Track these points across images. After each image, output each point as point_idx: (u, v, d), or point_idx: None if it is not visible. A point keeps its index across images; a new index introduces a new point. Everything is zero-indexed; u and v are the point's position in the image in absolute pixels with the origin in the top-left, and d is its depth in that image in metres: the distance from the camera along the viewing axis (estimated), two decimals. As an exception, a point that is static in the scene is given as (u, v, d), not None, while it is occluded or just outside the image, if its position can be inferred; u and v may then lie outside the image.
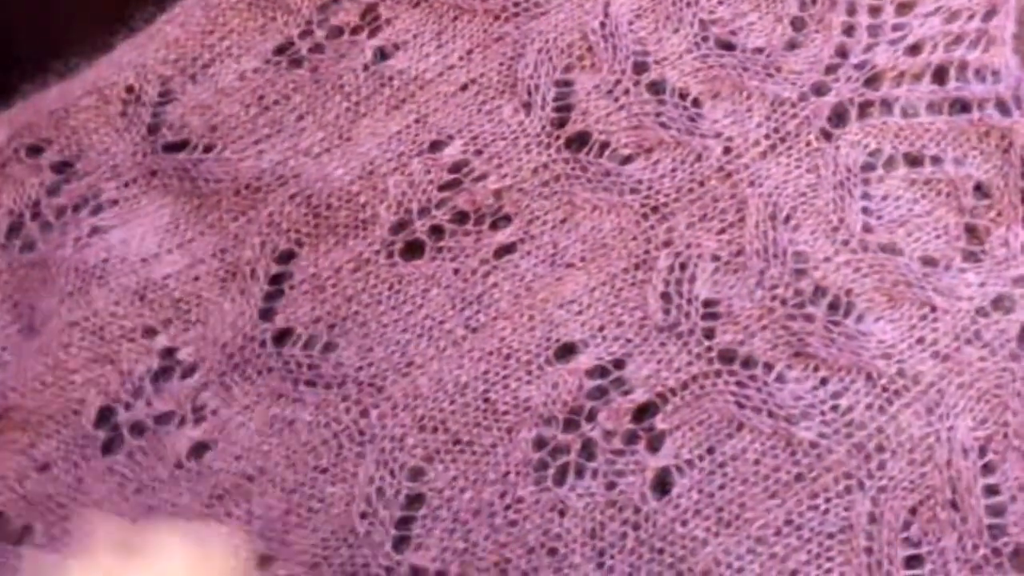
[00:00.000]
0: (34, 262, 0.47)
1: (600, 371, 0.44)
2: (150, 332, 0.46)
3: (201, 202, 0.47)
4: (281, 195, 0.47)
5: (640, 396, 0.44)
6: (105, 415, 0.45)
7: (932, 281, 0.44)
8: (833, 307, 0.44)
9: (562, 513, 0.42)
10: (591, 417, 0.44)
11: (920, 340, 0.44)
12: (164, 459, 0.44)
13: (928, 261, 0.45)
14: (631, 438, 0.43)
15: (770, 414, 0.43)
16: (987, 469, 0.42)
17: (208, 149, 0.48)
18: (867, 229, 0.45)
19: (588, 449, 0.43)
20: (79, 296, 0.46)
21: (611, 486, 0.42)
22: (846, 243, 0.45)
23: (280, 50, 0.49)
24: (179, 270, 0.46)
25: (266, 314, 0.46)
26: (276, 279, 0.46)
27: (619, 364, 0.44)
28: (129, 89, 0.49)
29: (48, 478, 0.44)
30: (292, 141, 0.48)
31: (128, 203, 0.48)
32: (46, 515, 0.44)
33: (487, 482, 0.43)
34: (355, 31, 0.50)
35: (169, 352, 0.46)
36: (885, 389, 0.43)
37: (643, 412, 0.44)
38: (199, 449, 0.44)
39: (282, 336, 0.46)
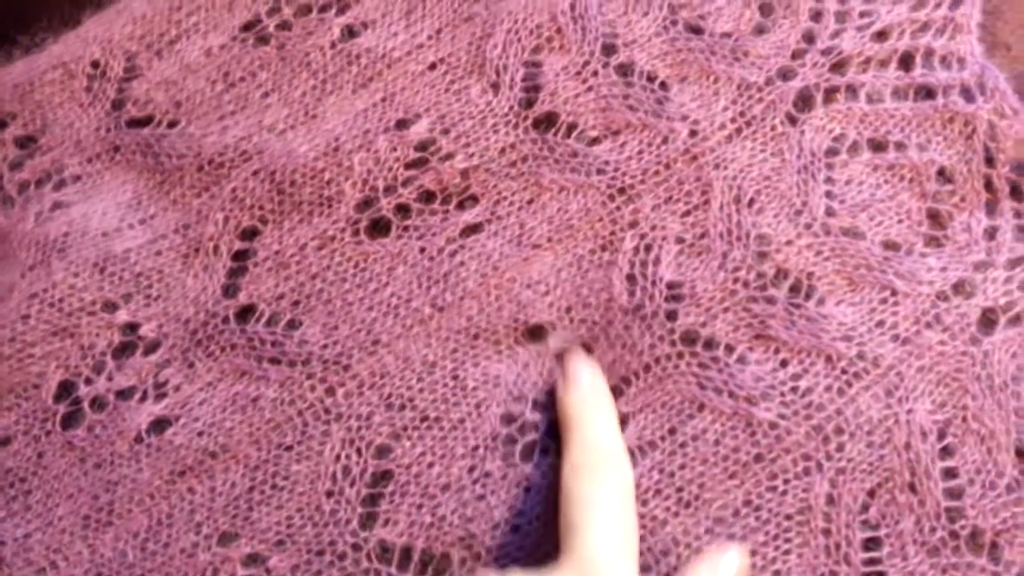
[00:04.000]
0: (-5, 236, 0.47)
1: (567, 353, 0.44)
2: (110, 306, 0.46)
3: (164, 178, 0.47)
4: (245, 171, 0.46)
5: (606, 381, 0.44)
6: (65, 389, 0.45)
7: (893, 265, 0.45)
8: (794, 290, 0.44)
9: (527, 490, 0.43)
10: (559, 397, 0.44)
11: (880, 323, 0.44)
12: (124, 433, 0.44)
13: (890, 245, 0.45)
14: (595, 418, 0.43)
15: (731, 395, 0.43)
16: (946, 452, 0.43)
17: (172, 125, 0.48)
18: (830, 213, 0.45)
19: (555, 428, 0.43)
20: (39, 269, 0.45)
21: (574, 465, 0.43)
22: (808, 227, 0.45)
23: (247, 27, 0.49)
24: (140, 244, 0.46)
25: (229, 290, 0.46)
26: (239, 256, 0.46)
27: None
28: (95, 64, 0.49)
29: (8, 452, 0.44)
30: (257, 118, 0.47)
31: (91, 178, 0.47)
32: (6, 489, 0.44)
33: (456, 457, 0.43)
34: (323, 9, 0.49)
35: (131, 327, 0.45)
36: (844, 371, 0.43)
37: (607, 394, 0.44)
38: (160, 424, 0.44)
39: (245, 313, 0.45)
